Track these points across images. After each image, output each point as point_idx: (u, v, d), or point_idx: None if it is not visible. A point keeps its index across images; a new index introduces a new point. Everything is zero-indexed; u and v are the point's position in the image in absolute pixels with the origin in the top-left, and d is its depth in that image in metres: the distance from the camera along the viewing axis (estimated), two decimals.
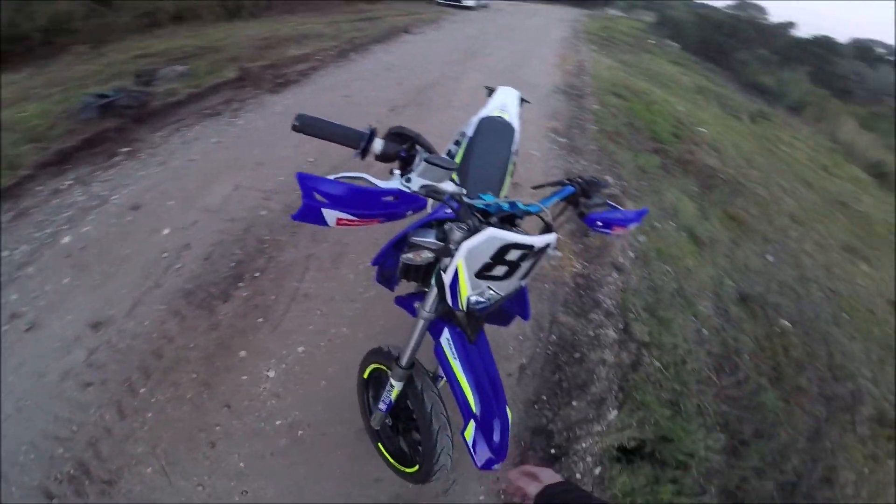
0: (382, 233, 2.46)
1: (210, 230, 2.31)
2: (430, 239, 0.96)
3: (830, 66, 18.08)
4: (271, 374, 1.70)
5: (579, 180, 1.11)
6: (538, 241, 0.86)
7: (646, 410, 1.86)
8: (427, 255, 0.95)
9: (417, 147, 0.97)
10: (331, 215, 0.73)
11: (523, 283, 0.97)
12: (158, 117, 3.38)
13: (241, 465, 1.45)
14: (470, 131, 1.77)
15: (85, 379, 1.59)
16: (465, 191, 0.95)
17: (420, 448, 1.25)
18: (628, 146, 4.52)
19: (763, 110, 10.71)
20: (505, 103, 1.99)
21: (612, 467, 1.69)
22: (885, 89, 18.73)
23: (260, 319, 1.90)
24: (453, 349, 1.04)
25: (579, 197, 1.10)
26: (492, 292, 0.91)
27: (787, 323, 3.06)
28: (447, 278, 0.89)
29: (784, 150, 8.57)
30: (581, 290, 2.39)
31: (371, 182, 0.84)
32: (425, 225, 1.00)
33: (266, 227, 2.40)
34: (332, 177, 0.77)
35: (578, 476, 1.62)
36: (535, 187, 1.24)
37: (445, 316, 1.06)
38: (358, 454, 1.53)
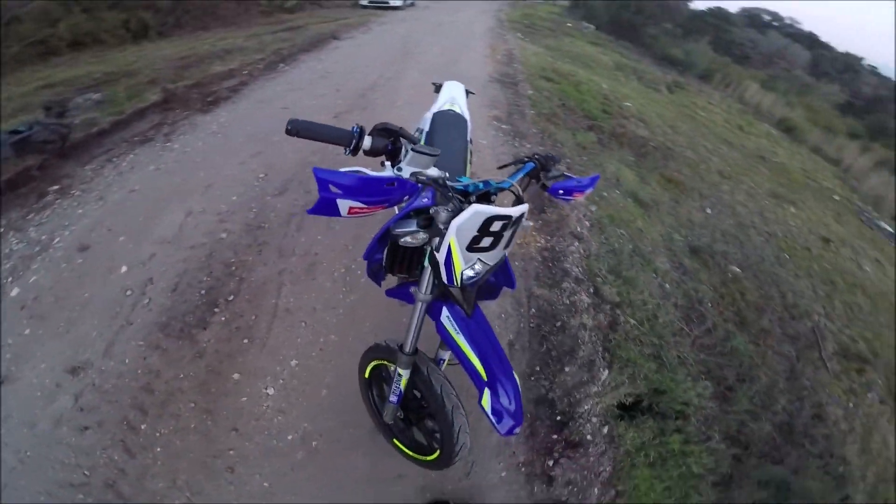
0: (350, 238, 2.49)
1: (171, 261, 2.24)
2: (411, 228, 1.03)
3: (727, 34, 20.12)
4: (270, 391, 1.71)
5: (537, 156, 1.25)
6: (515, 211, 0.97)
7: (633, 366, 2.03)
8: (423, 236, 1.02)
9: (402, 139, 1.06)
10: (344, 205, 0.83)
11: (506, 251, 1.07)
12: (84, 149, 3.14)
13: (266, 484, 1.46)
14: (426, 126, 1.86)
15: (80, 423, 1.56)
16: (446, 174, 1.04)
17: (436, 433, 1.31)
18: (565, 126, 4.81)
19: (677, 81, 11.75)
20: (454, 96, 2.09)
21: (618, 425, 1.82)
22: (777, 53, 21.22)
23: (245, 341, 1.89)
24: (455, 325, 1.12)
25: (539, 171, 1.23)
26: (480, 264, 1.00)
27: (736, 269, 3.41)
28: (441, 256, 0.98)
29: (702, 115, 9.49)
30: (549, 262, 2.55)
31: (368, 172, 0.91)
32: (405, 216, 1.07)
33: (229, 250, 2.34)
34: (343, 170, 0.84)
35: (588, 438, 1.74)
36: (501, 167, 1.39)
37: (441, 296, 1.14)
38: (376, 454, 1.57)
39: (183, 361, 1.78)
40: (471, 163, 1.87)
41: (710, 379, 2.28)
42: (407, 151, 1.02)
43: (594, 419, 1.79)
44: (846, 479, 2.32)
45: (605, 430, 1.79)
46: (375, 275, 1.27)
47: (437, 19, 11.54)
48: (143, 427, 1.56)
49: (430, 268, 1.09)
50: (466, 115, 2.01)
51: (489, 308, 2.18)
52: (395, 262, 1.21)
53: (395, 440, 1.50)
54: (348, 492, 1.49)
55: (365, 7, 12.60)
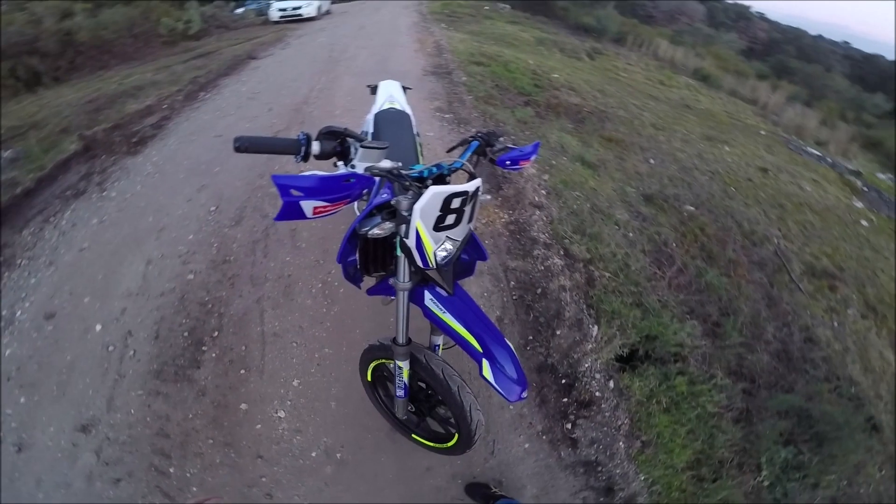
0: (319, 253, 2.49)
1: (144, 311, 2.21)
2: (378, 223, 1.07)
3: None
4: (281, 414, 1.74)
5: (480, 134, 1.34)
6: (470, 186, 1.03)
7: (619, 317, 2.13)
8: (389, 226, 1.07)
9: (349, 139, 1.09)
10: (308, 206, 0.87)
11: (471, 225, 1.13)
12: (15, 214, 2.94)
13: None
14: (370, 128, 1.91)
15: (111, 476, 1.60)
16: (400, 164, 1.08)
17: (450, 419, 1.35)
18: (503, 105, 4.98)
19: (595, 47, 12.37)
20: (391, 94, 2.14)
21: (622, 377, 1.90)
22: (676, 9, 22.85)
23: (242, 371, 1.90)
24: (439, 305, 1.16)
25: (485, 147, 1.33)
26: (450, 242, 1.06)
27: (690, 207, 3.65)
28: (411, 241, 1.03)
29: (624, 76, 10.09)
30: (516, 234, 2.66)
31: (326, 174, 0.94)
32: (368, 215, 1.11)
33: (201, 289, 2.30)
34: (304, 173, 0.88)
35: (598, 394, 1.82)
36: (450, 150, 1.47)
37: (421, 282, 1.19)
38: (400, 453, 1.62)
39: (188, 402, 1.79)
40: (422, 154, 1.91)
41: (695, 318, 2.39)
42: (356, 149, 1.06)
43: (597, 375, 1.87)
44: (861, 399, 2.42)
45: (611, 384, 1.88)
46: (353, 278, 1.29)
47: (358, 22, 11.42)
48: (171, 470, 1.59)
49: (403, 256, 1.13)
50: (408, 110, 2.06)
51: (471, 289, 2.26)
52: (369, 261, 1.26)
53: (413, 435, 1.54)
54: (384, 494, 1.53)
55: (277, 22, 12.22)
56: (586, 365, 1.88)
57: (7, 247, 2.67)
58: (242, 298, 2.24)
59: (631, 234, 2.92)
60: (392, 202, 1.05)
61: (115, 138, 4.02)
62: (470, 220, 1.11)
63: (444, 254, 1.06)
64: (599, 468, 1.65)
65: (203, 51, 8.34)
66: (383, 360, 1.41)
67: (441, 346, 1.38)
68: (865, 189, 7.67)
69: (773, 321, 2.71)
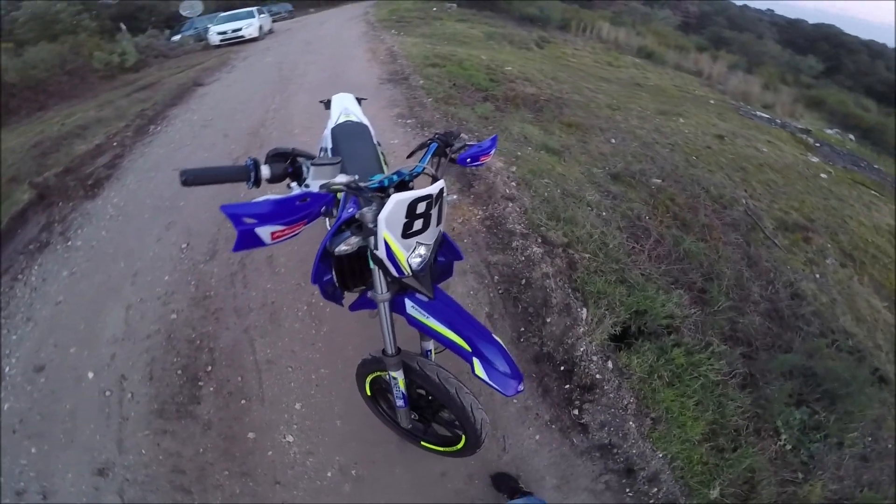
0: (300, 276, 2.48)
1: (134, 355, 2.21)
2: (346, 238, 1.08)
3: None
4: (290, 438, 1.76)
5: (438, 136, 1.38)
6: (433, 189, 1.05)
7: (606, 297, 2.18)
8: (354, 241, 1.07)
9: (299, 159, 1.08)
10: (264, 232, 0.85)
11: (440, 227, 1.16)
12: None
13: None
14: (328, 144, 1.91)
15: None
16: (357, 177, 1.09)
17: (455, 421, 1.36)
18: (463, 103, 5.05)
19: (542, 36, 12.67)
20: (346, 107, 2.14)
21: (619, 356, 1.93)
22: None
23: (243, 401, 1.91)
24: (422, 311, 1.17)
25: (445, 148, 1.37)
26: (422, 247, 1.09)
27: (657, 180, 3.78)
28: (381, 252, 1.05)
29: (574, 62, 10.40)
30: (493, 229, 2.72)
31: (279, 197, 0.92)
32: (337, 231, 1.13)
33: (186, 327, 2.30)
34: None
35: (598, 377, 1.85)
36: (409, 155, 1.53)
37: (399, 291, 1.20)
38: (411, 462, 1.64)
39: (196, 437, 1.82)
40: (387, 164, 1.92)
41: (680, 287, 2.44)
42: (308, 168, 1.05)
43: (595, 358, 1.91)
44: (861, 351, 2.47)
45: (610, 364, 1.91)
46: (333, 296, 1.30)
47: (304, 38, 11.26)
48: None
49: (377, 268, 1.14)
50: (365, 121, 2.07)
51: (456, 289, 2.31)
52: (347, 276, 1.27)
53: (422, 442, 1.55)
54: None
55: (219, 46, 11.90)
56: (582, 349, 1.93)
57: None
58: (230, 331, 2.24)
59: (604, 214, 3.03)
60: (357, 216, 1.06)
61: (69, 183, 3.86)
62: (439, 223, 1.13)
63: (419, 259, 1.09)
64: (615, 450, 1.69)
65: (145, 82, 8.04)
66: (379, 373, 1.42)
67: (433, 351, 1.39)
68: (818, 145, 8.22)
69: (756, 280, 2.80)
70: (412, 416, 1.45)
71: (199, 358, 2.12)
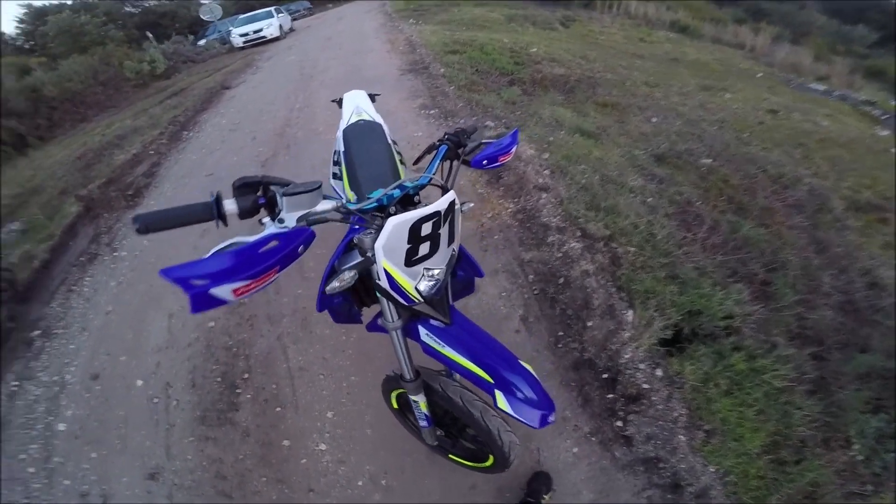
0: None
1: (177, 363, 2.29)
2: (355, 261, 0.99)
3: None
4: (323, 447, 1.78)
5: (448, 136, 1.22)
6: (440, 204, 0.91)
7: (654, 296, 1.97)
8: (348, 276, 0.95)
9: (271, 187, 0.91)
10: (223, 291, 0.68)
11: (453, 247, 1.03)
12: (39, 288, 3.03)
13: None
14: (341, 146, 1.83)
15: None
16: (344, 199, 0.97)
17: (481, 440, 1.27)
18: (487, 89, 4.85)
19: (567, 15, 12.06)
20: (358, 105, 2.05)
21: (670, 363, 1.76)
22: None
23: (278, 409, 1.94)
24: (438, 340, 1.05)
25: (456, 149, 1.21)
26: (433, 271, 0.95)
27: (707, 160, 3.46)
28: (384, 283, 0.92)
29: (603, 39, 9.84)
30: (526, 223, 2.56)
31: (245, 241, 0.78)
32: (346, 251, 1.04)
33: (223, 334, 2.35)
34: (209, 254, 0.74)
35: (646, 387, 1.69)
36: (416, 161, 1.38)
37: (413, 316, 1.09)
38: (441, 474, 1.61)
39: (235, 444, 1.87)
40: (403, 164, 1.82)
41: (738, 280, 2.18)
42: (281, 198, 0.88)
43: (642, 366, 1.75)
44: None
45: (659, 372, 1.74)
46: (349, 317, 1.21)
47: (324, 34, 11.29)
48: None
49: (382, 297, 1.03)
50: (378, 119, 1.98)
51: (487, 291, 2.20)
52: (361, 293, 1.18)
53: (450, 455, 1.50)
54: None
55: (243, 48, 12.15)
56: (627, 355, 1.77)
57: (42, 319, 2.81)
58: (264, 338, 2.27)
59: (650, 200, 2.78)
60: (355, 240, 0.94)
61: (111, 194, 4.02)
62: (451, 242, 1.01)
63: (430, 284, 0.97)
64: (661, 465, 1.56)
65: (176, 88, 8.31)
66: (402, 390, 1.35)
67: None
68: (885, 117, 7.44)
69: (827, 268, 2.49)
70: (437, 433, 1.40)
71: (236, 365, 2.18)
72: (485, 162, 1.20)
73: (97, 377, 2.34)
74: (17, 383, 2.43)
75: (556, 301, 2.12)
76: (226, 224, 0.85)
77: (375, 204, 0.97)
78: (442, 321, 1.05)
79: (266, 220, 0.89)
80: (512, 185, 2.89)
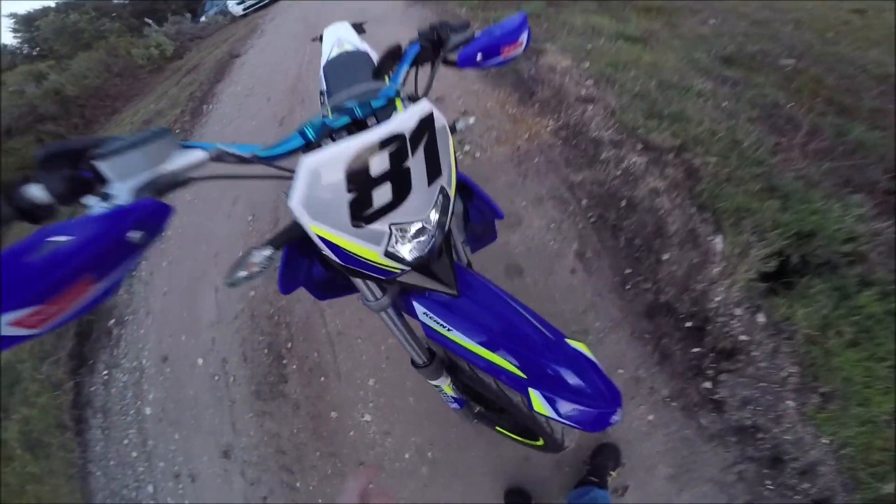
0: None
1: (228, 337, 2.22)
2: (248, 259, 0.61)
3: None
4: (368, 417, 1.65)
5: (423, 32, 0.82)
6: (401, 123, 0.56)
7: (750, 215, 1.48)
8: (258, 258, 0.59)
9: (90, 151, 0.49)
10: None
11: (444, 184, 0.65)
12: None
13: None
14: (322, 85, 1.51)
15: (259, 495, 1.66)
16: (218, 147, 0.56)
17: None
18: (504, 5, 4.16)
19: None
20: (339, 37, 1.74)
21: (776, 305, 1.32)
22: None
23: (322, 378, 1.82)
24: (440, 321, 0.72)
25: (438, 49, 0.83)
26: (410, 226, 0.61)
27: (789, 60, 2.74)
28: (333, 257, 0.60)
29: None
30: (571, 140, 2.08)
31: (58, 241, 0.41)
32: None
33: (264, 302, 2.22)
34: None
35: (744, 337, 1.29)
36: (377, 68, 0.80)
37: (404, 290, 0.76)
38: (489, 445, 1.42)
39: (288, 417, 1.80)
40: (399, 96, 1.44)
41: (857, 190, 1.64)
42: (103, 161, 0.49)
43: (737, 310, 1.32)
44: None
45: (761, 318, 1.30)
46: (338, 289, 0.87)
47: None
48: (298, 485, 1.62)
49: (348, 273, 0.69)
50: (364, 47, 1.64)
51: (532, 224, 1.81)
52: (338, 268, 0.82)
53: (497, 427, 1.24)
54: (484, 492, 1.37)
55: (245, 15, 11.43)
56: (718, 297, 1.35)
57: (114, 308, 2.81)
58: (301, 304, 2.11)
59: (725, 105, 2.19)
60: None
61: None
62: (436, 177, 0.63)
63: (410, 246, 0.62)
64: (760, 435, 1.21)
65: (189, 66, 7.99)
66: None
67: None
68: None
69: None
70: (476, 411, 1.18)
71: (279, 335, 2.06)
72: (479, 57, 0.81)
73: (166, 359, 2.32)
74: (106, 372, 2.48)
75: (618, 229, 1.69)
76: (35, 221, 0.48)
77: (300, 142, 0.62)
78: (445, 292, 0.70)
79: (90, 199, 0.50)
80: (548, 101, 2.37)
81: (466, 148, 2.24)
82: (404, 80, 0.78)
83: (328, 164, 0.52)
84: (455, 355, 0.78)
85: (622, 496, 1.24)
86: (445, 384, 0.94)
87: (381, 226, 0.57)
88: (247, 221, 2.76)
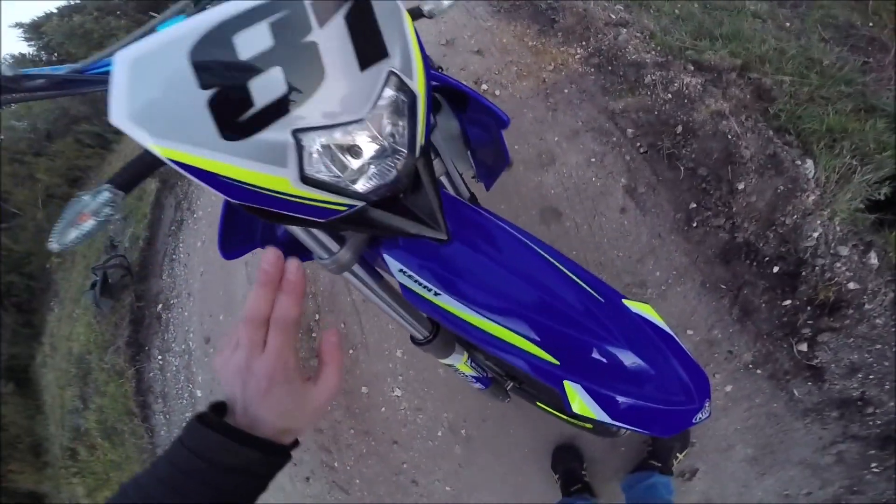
0: None
1: None
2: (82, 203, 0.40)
3: None
4: (398, 392, 1.52)
5: None
6: None
7: (846, 136, 1.14)
8: (94, 204, 0.38)
9: None
10: None
11: (392, 67, 0.37)
12: (151, 264, 3.02)
13: (448, 488, 1.33)
14: None
15: (302, 475, 1.62)
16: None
17: None
18: None
19: None
20: None
21: (890, 242, 1.01)
22: None
23: (351, 351, 1.68)
24: (423, 280, 0.50)
25: None
26: (344, 131, 0.36)
27: None
28: (217, 192, 0.37)
29: None
30: (606, 66, 1.69)
31: None
32: None
33: None
34: None
35: (852, 285, 0.97)
36: None
37: (375, 238, 0.53)
38: (529, 421, 1.23)
39: None
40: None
41: None
42: None
43: (843, 249, 0.99)
44: None
45: (873, 259, 0.98)
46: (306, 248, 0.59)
47: None
48: (336, 465, 1.56)
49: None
50: None
51: (568, 161, 1.50)
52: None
53: (538, 403, 1.01)
54: (527, 470, 1.22)
55: None
56: (814, 231, 1.02)
57: (160, 293, 2.77)
58: (324, 272, 1.97)
59: (789, 25, 1.72)
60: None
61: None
62: (378, 57, 0.36)
63: (355, 168, 0.37)
64: (870, 409, 0.93)
65: None
66: None
67: None
68: None
69: None
70: (508, 386, 0.94)
71: (307, 306, 1.95)
72: None
73: (209, 340, 2.25)
74: (160, 357, 2.46)
75: (676, 158, 1.35)
76: None
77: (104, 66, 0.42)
78: (430, 237, 0.44)
79: None
80: (573, 28, 1.96)
81: (484, 87, 1.91)
82: None
83: (160, 52, 0.30)
84: (453, 330, 0.54)
85: (689, 480, 1.02)
86: (460, 362, 0.72)
87: (276, 134, 0.33)
88: None
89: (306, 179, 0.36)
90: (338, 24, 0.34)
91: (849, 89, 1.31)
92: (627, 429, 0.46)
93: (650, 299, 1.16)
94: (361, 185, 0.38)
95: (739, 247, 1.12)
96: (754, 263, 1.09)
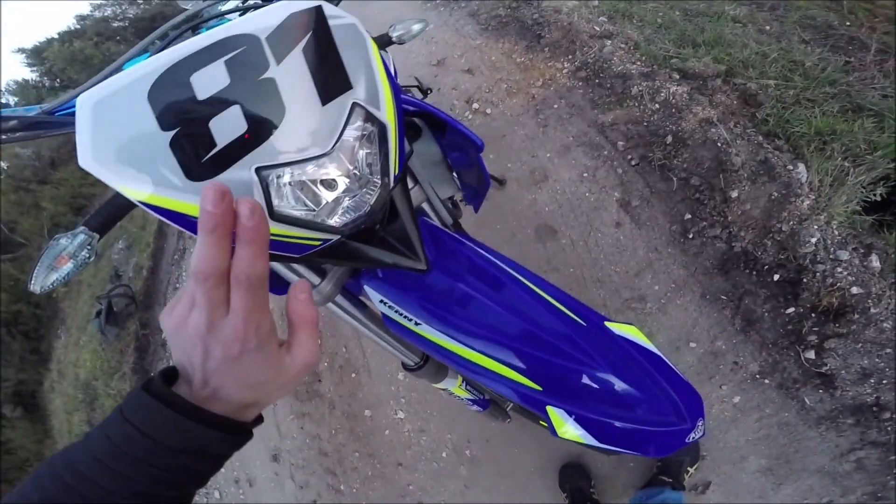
0: None
1: None
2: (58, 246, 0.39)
3: None
4: (401, 414, 1.46)
5: None
6: (257, 20, 0.31)
7: (836, 137, 1.10)
8: (71, 247, 0.36)
9: None
10: None
11: (356, 99, 0.35)
12: (153, 292, 2.98)
13: None
14: None
15: (309, 498, 1.56)
16: None
17: None
18: None
19: None
20: None
21: (889, 242, 0.98)
22: None
23: (353, 374, 1.64)
24: (403, 310, 0.47)
25: None
26: (312, 166, 0.34)
27: None
28: (188, 232, 0.36)
29: None
30: (593, 80, 1.68)
31: None
32: None
33: None
34: None
35: (856, 290, 0.93)
36: None
37: (354, 272, 0.52)
38: (535, 440, 1.17)
39: (325, 418, 1.66)
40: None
41: None
42: None
43: (843, 253, 0.95)
44: None
45: (874, 261, 0.94)
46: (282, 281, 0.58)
47: None
48: (342, 488, 1.51)
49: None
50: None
51: (561, 177, 1.46)
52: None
53: (541, 422, 0.97)
54: (534, 490, 1.16)
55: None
56: (812, 237, 0.98)
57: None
58: None
59: (769, 28, 1.70)
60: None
61: None
62: (341, 90, 0.34)
63: (337, 202, 0.35)
64: (887, 415, 0.88)
65: None
66: None
67: None
68: None
69: None
70: (509, 406, 0.92)
71: None
72: None
73: None
74: None
75: (668, 169, 1.31)
76: None
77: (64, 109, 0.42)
78: (409, 267, 0.42)
79: None
80: (559, 42, 1.93)
81: (476, 105, 1.88)
82: None
83: (120, 94, 0.29)
84: (438, 359, 0.52)
85: (702, 494, 0.96)
86: (454, 385, 0.69)
87: (241, 172, 0.31)
88: None
89: (276, 216, 0.33)
90: (296, 58, 0.32)
91: (833, 90, 1.27)
92: (620, 452, 0.44)
93: (650, 313, 1.11)
94: (336, 220, 0.36)
95: (737, 256, 1.08)
96: (754, 272, 1.04)
